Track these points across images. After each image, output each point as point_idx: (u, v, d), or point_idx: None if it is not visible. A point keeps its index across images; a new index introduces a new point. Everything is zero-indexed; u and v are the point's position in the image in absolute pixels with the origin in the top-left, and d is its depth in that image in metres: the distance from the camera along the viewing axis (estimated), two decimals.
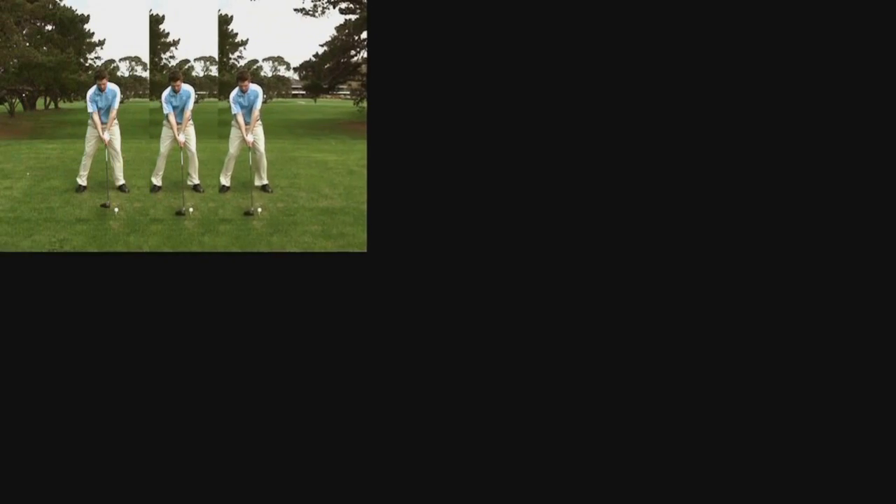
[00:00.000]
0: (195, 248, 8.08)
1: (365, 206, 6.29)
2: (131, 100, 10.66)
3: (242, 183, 8.89)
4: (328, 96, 11.73)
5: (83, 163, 8.91)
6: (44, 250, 7.76)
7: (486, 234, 6.20)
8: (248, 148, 8.72)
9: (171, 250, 7.66)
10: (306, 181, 9.29)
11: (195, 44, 10.00)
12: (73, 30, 11.39)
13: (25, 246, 8.11)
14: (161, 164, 8.89)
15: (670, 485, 6.06)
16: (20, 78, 11.52)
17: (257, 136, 8.81)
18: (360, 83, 11.44)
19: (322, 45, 10.96)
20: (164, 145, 8.87)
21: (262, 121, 8.56)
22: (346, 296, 6.16)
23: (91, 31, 11.36)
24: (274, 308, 6.19)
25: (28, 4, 11.45)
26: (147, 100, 10.60)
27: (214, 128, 9.39)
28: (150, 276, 6.22)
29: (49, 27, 11.55)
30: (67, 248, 7.85)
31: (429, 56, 6.19)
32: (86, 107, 8.85)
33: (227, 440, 6.08)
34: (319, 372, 6.12)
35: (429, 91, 6.22)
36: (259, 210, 8.42)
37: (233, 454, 6.07)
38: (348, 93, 11.76)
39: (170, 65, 10.74)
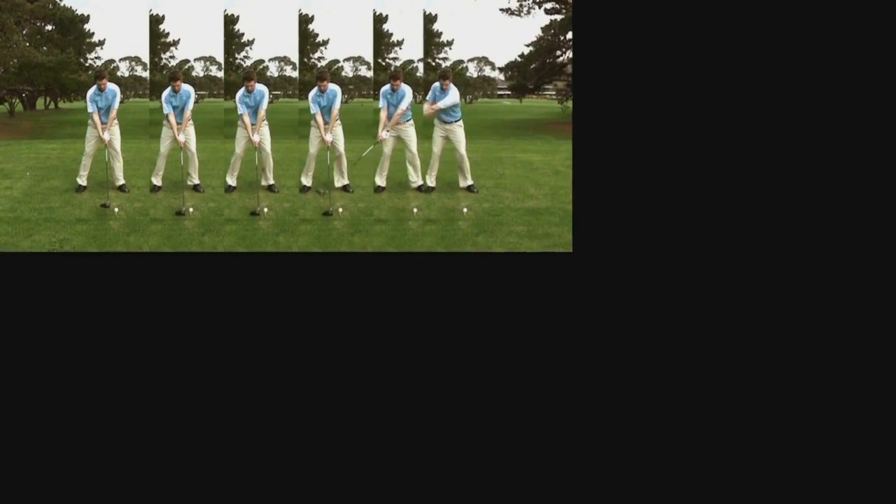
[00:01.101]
0: (195, 248, 8.08)
1: (570, 207, 6.23)
2: (131, 100, 10.66)
3: (286, 185, 8.90)
4: (533, 96, 11.94)
5: (83, 163, 8.90)
6: (44, 250, 7.76)
7: (694, 234, 6.02)
8: (253, 148, 8.72)
9: (245, 250, 7.74)
10: (511, 181, 9.30)
11: (347, 44, 10.14)
12: (73, 30, 11.39)
13: (25, 246, 8.10)
14: (161, 164, 8.89)
15: None
16: (20, 78, 11.52)
17: (263, 135, 8.81)
18: (565, 83, 11.63)
19: (527, 46, 11.29)
20: (164, 145, 8.86)
21: (451, 120, 8.64)
22: (551, 296, 6.05)
23: (91, 31, 11.36)
24: (478, 307, 6.10)
25: (28, 4, 11.45)
26: (147, 100, 10.61)
27: (295, 128, 9.47)
28: (300, 276, 6.16)
29: (49, 27, 11.55)
30: (67, 248, 7.85)
31: (634, 56, 6.05)
32: (86, 107, 8.83)
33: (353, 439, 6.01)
34: (521, 371, 5.99)
35: (634, 91, 6.05)
36: (340, 210, 8.42)
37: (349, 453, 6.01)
38: (553, 93, 11.95)
39: (170, 65, 10.75)
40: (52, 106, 11.97)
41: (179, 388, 6.13)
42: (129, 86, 10.56)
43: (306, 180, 8.87)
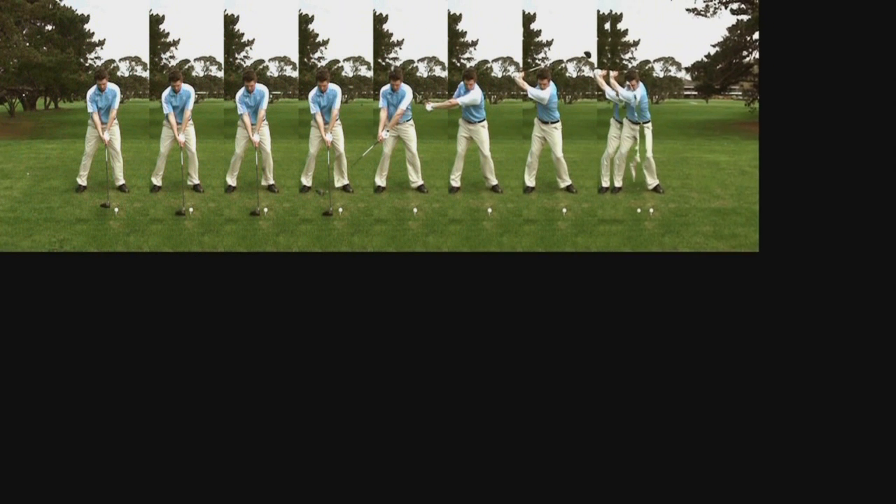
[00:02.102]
0: (195, 248, 8.08)
1: (757, 207, 6.27)
2: (131, 100, 10.66)
3: (286, 185, 8.90)
4: (719, 97, 12.05)
5: (83, 163, 8.90)
6: (44, 250, 7.76)
7: (884, 237, 5.89)
8: (253, 147, 8.71)
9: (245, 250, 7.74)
10: (698, 182, 9.32)
11: (347, 44, 10.19)
12: (73, 30, 11.39)
13: (25, 246, 8.10)
14: (161, 164, 8.88)
15: None
16: (20, 78, 11.53)
17: (263, 135, 8.80)
18: (751, 84, 11.73)
19: (714, 46, 11.45)
20: (164, 145, 8.85)
21: (557, 123, 8.65)
22: (738, 296, 5.91)
23: (91, 31, 11.37)
24: (665, 307, 6.06)
25: (28, 4, 11.46)
26: (147, 100, 10.61)
27: (295, 128, 9.47)
28: (374, 275, 6.15)
29: (49, 27, 11.56)
30: (67, 248, 7.85)
31: (821, 57, 5.97)
32: (86, 107, 8.83)
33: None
34: (703, 371, 5.94)
35: (821, 92, 5.97)
36: (340, 210, 8.41)
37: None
38: (740, 93, 12.05)
39: (170, 65, 10.75)
40: (52, 106, 11.98)
41: (180, 387, 6.12)
42: (129, 86, 10.56)
43: (306, 180, 8.87)
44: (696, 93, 11.85)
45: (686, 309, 6.10)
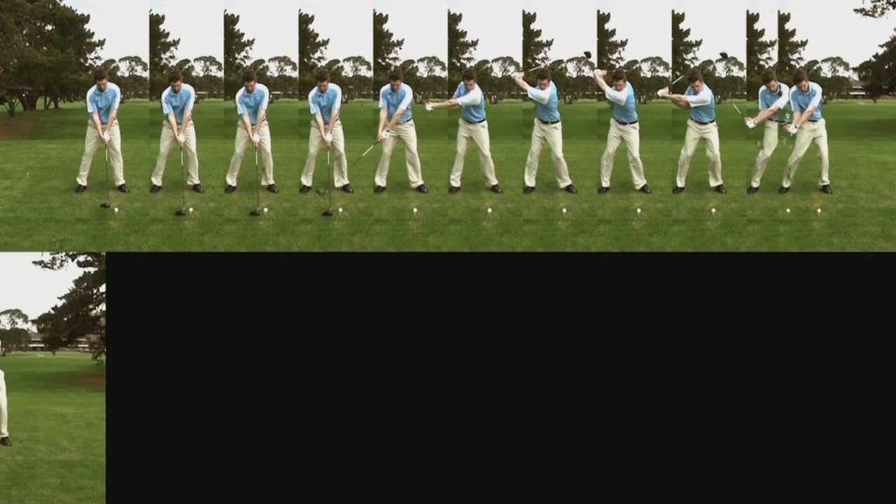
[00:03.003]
0: (195, 248, 8.09)
1: None
2: (131, 100, 10.66)
3: (286, 185, 8.90)
4: (887, 97, 12.00)
5: (83, 163, 8.89)
6: (44, 250, 7.77)
7: None
8: (253, 147, 8.70)
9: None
10: (866, 182, 9.23)
11: (347, 44, 10.21)
12: (73, 30, 11.40)
13: (25, 246, 8.10)
14: (161, 164, 8.87)
15: None
16: (20, 78, 11.53)
17: (263, 135, 8.79)
18: None
19: (881, 46, 11.46)
20: (165, 145, 8.85)
21: (557, 123, 8.58)
22: None
23: (91, 31, 11.38)
24: (822, 308, 6.08)
25: (28, 4, 11.46)
26: (147, 100, 10.60)
27: (295, 128, 9.45)
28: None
29: (49, 27, 11.56)
30: (67, 248, 7.86)
31: None
32: (86, 107, 8.82)
33: None
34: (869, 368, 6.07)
35: None
36: (340, 210, 8.41)
37: None
38: None
39: (170, 65, 10.76)
40: (52, 106, 11.98)
41: (181, 386, 6.12)
42: (129, 86, 10.57)
43: (306, 180, 8.87)
44: (863, 93, 11.86)
45: (853, 308, 6.05)
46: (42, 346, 10.96)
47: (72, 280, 10.98)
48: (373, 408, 6.19)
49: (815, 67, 10.53)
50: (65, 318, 11.16)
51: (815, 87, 8.60)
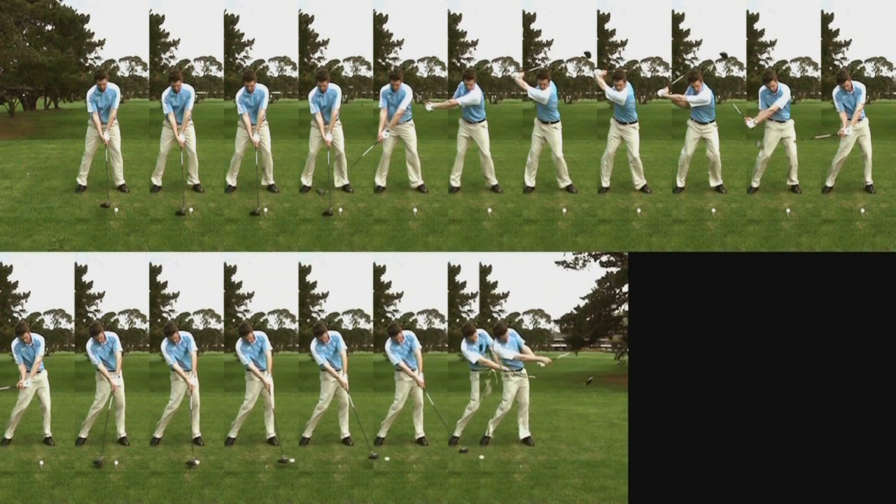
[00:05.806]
0: (195, 248, 8.09)
1: None
2: (131, 100, 10.65)
3: (286, 185, 8.89)
4: None
5: (83, 163, 8.88)
6: (45, 249, 7.76)
7: None
8: (253, 147, 8.69)
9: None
10: None
11: (347, 44, 10.16)
12: (73, 30, 11.38)
13: (25, 246, 8.10)
14: (161, 164, 8.87)
15: None
16: (20, 78, 11.51)
17: (263, 135, 8.78)
18: None
19: None
20: (164, 145, 8.84)
21: (557, 123, 8.59)
22: None
23: (91, 31, 11.35)
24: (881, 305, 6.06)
25: (28, 4, 11.45)
26: (147, 100, 10.59)
27: (295, 128, 9.42)
28: None
29: (49, 27, 11.54)
30: (67, 248, 7.86)
31: None
32: (86, 107, 8.81)
33: None
34: None
35: None
36: (340, 210, 8.42)
37: None
38: None
39: (170, 65, 10.74)
40: (52, 106, 11.97)
41: (698, 387, 6.07)
42: (129, 86, 10.56)
43: (306, 180, 8.86)
44: None
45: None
46: (564, 346, 11.02)
47: (594, 280, 11.06)
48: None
49: (858, 67, 10.48)
50: (587, 318, 11.21)
51: (860, 87, 8.59)
